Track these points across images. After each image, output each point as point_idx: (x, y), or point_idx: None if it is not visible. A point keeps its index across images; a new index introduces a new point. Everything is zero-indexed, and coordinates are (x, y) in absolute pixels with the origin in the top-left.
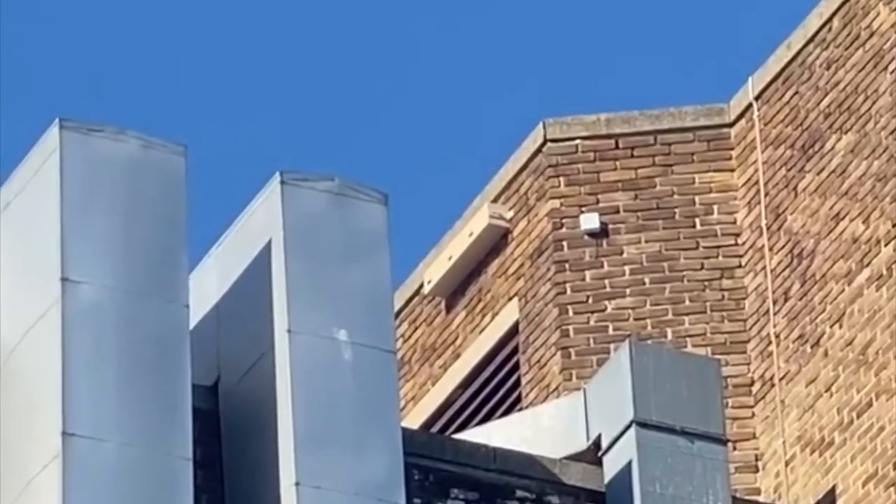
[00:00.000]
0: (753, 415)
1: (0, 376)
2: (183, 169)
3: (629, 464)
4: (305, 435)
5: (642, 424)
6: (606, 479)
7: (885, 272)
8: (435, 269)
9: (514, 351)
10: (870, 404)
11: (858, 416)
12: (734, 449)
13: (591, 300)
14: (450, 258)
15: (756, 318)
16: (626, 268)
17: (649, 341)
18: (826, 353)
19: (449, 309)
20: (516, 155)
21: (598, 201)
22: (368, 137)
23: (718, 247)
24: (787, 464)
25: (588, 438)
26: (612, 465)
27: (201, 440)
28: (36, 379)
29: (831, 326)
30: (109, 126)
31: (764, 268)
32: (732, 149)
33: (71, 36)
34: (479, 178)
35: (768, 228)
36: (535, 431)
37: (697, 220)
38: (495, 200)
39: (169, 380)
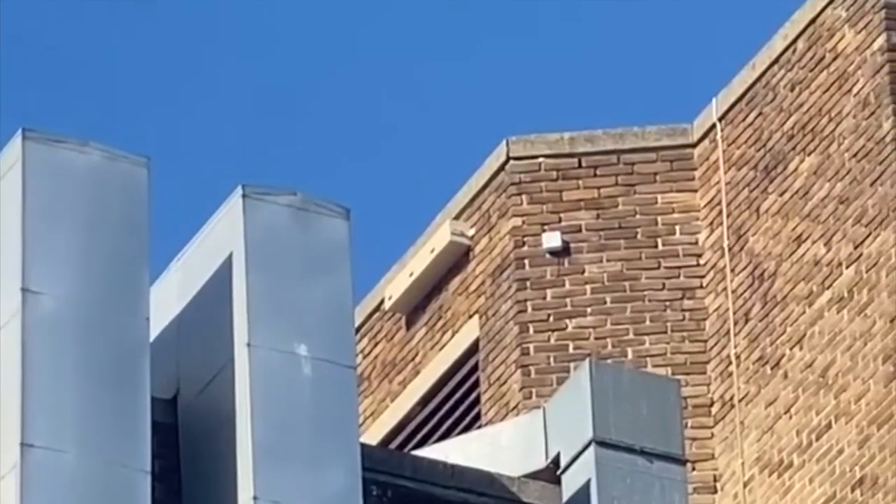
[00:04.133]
0: (713, 435)
1: None
2: (146, 181)
3: (588, 483)
4: (264, 449)
5: (601, 443)
6: (565, 498)
7: (846, 295)
8: (396, 285)
9: (474, 368)
10: (829, 426)
11: (818, 439)
12: (693, 469)
13: (551, 318)
14: (411, 275)
15: (717, 338)
16: (588, 287)
17: (609, 360)
18: (786, 375)
19: (409, 325)
20: (479, 172)
21: (560, 220)
22: (331, 152)
23: (680, 267)
24: (745, 485)
25: (547, 457)
26: (570, 484)
27: (160, 453)
28: None
29: (791, 348)
30: (73, 137)
31: (725, 289)
32: (695, 169)
33: (34, 46)
34: (442, 195)
35: (730, 249)
36: (493, 449)
37: (659, 240)
38: (457, 217)
39: (128, 392)
